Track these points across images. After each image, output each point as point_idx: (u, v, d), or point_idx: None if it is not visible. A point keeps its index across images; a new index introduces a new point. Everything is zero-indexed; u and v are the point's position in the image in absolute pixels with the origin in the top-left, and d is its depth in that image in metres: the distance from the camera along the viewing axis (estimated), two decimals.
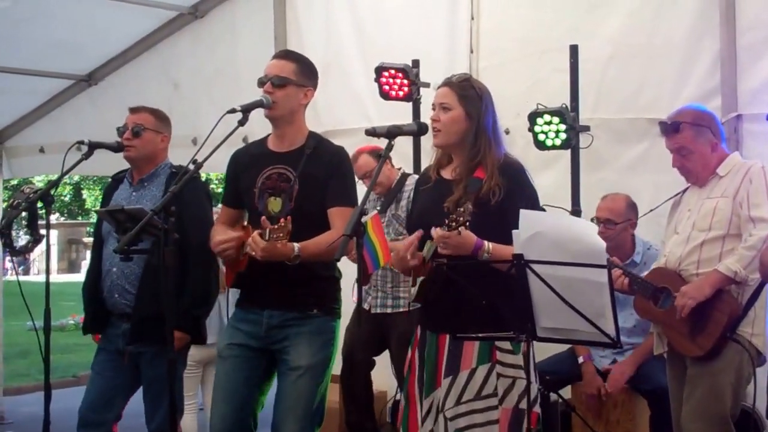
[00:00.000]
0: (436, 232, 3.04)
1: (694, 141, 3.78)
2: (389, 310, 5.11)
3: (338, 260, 3.04)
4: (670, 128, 3.82)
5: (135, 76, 6.88)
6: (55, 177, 4.25)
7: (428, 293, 3.12)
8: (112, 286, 3.98)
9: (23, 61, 6.61)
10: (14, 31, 6.21)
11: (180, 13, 6.59)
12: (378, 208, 5.15)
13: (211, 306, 4.16)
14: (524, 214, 2.88)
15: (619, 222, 4.55)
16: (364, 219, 3.06)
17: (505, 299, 2.88)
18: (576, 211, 4.91)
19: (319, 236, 3.38)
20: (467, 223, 2.97)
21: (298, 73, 3.54)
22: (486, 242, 3.07)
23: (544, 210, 3.28)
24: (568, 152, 4.96)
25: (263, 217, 3.29)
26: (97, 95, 7.02)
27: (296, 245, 3.28)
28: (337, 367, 3.91)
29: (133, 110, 4.17)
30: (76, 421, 4.04)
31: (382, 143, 3.40)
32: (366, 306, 5.14)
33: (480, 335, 3.02)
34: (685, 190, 3.95)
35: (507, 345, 3.12)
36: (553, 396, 4.65)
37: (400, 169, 5.33)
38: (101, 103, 6.88)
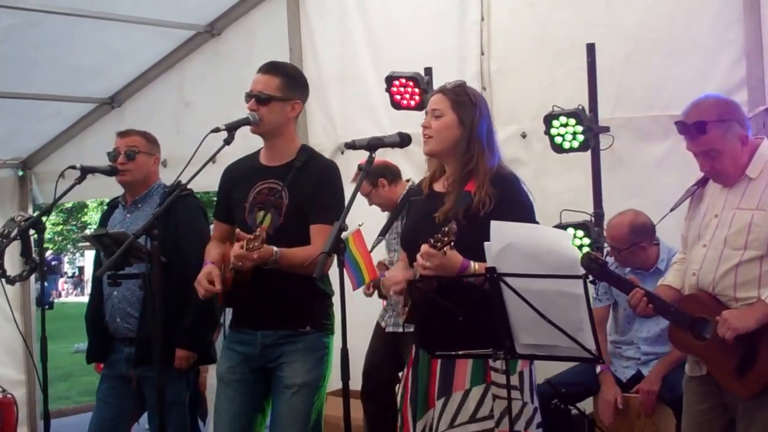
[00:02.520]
0: (422, 247, 2.94)
1: (723, 139, 3.25)
2: (401, 329, 5.00)
3: (319, 279, 2.94)
4: (694, 129, 3.26)
5: (155, 97, 6.93)
6: (84, 200, 4.29)
7: (418, 312, 3.02)
8: (114, 310, 3.97)
9: (47, 86, 6.70)
10: (37, 57, 6.29)
11: (197, 32, 6.60)
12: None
13: (216, 323, 4.14)
14: (495, 225, 2.77)
15: (623, 249, 4.35)
16: (344, 235, 2.95)
17: (481, 315, 2.77)
18: (598, 215, 4.76)
19: (300, 248, 3.32)
20: (452, 244, 2.86)
21: (282, 88, 3.48)
22: (472, 263, 2.96)
23: (537, 223, 3.15)
24: (589, 154, 4.80)
25: (237, 229, 3.25)
26: (120, 117, 7.05)
27: (275, 249, 3.23)
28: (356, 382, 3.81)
29: (122, 134, 4.19)
30: None
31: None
32: (383, 324, 5.06)
33: (459, 353, 2.90)
34: (704, 181, 3.49)
35: (502, 365, 2.97)
36: (573, 411, 4.47)
37: (408, 180, 5.22)
38: (124, 125, 6.84)
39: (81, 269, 33.99)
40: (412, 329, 4.85)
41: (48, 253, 10.83)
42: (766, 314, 3.15)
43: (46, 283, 4.89)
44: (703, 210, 3.45)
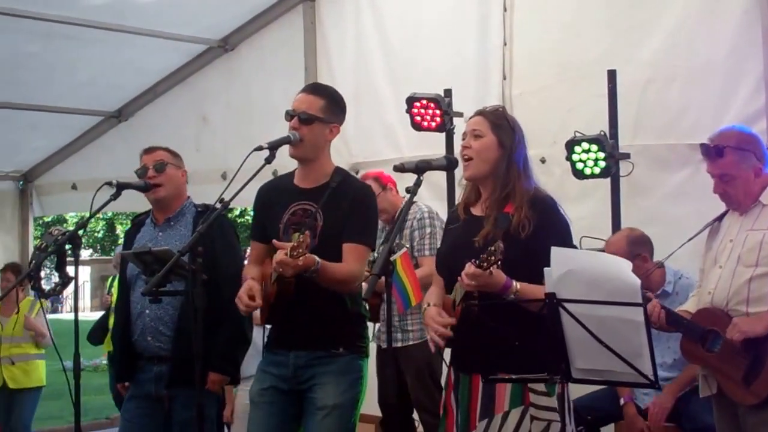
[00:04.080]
0: (467, 267, 2.92)
1: (738, 166, 3.53)
2: (399, 344, 4.98)
3: (366, 299, 2.91)
4: (713, 152, 3.56)
5: (164, 111, 6.92)
6: (86, 213, 4.25)
7: (460, 335, 3.00)
8: (145, 329, 3.91)
9: (53, 98, 6.69)
10: (44, 68, 6.26)
11: (210, 47, 6.60)
12: (381, 239, 5.05)
13: (248, 344, 4.09)
14: (556, 251, 2.75)
15: None
16: (393, 257, 2.92)
17: (537, 340, 2.75)
18: None
19: (338, 263, 3.32)
20: (499, 263, 2.85)
21: (325, 110, 3.45)
22: (514, 282, 2.95)
23: (575, 246, 3.17)
24: (608, 180, 4.81)
25: (273, 240, 3.23)
26: (127, 131, 7.05)
27: (317, 258, 3.20)
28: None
29: (148, 150, 4.14)
30: None
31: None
32: (378, 342, 5.02)
33: (513, 377, 2.89)
34: (722, 216, 3.72)
35: (541, 387, 2.99)
36: None
37: (404, 197, 5.21)
38: (131, 138, 6.87)
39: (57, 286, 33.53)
40: (409, 343, 4.92)
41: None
42: None
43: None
44: (719, 239, 3.65)
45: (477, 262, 2.87)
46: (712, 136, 3.64)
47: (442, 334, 3.03)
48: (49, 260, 4.04)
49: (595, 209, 5.04)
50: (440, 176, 5.25)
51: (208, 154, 5.28)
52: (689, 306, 3.76)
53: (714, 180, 3.63)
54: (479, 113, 3.25)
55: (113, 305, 6.64)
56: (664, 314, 3.63)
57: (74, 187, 7.14)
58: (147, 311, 3.87)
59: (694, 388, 4.27)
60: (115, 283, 7.04)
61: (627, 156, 4.85)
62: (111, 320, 6.87)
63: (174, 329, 3.84)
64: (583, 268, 2.71)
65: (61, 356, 3.87)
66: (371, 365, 5.05)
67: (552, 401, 2.97)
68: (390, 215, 5.10)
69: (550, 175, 5.27)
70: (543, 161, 5.30)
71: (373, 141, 6.00)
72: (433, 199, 5.45)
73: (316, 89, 3.56)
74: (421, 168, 3.13)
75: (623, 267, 2.73)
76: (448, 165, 3.22)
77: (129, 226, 4.34)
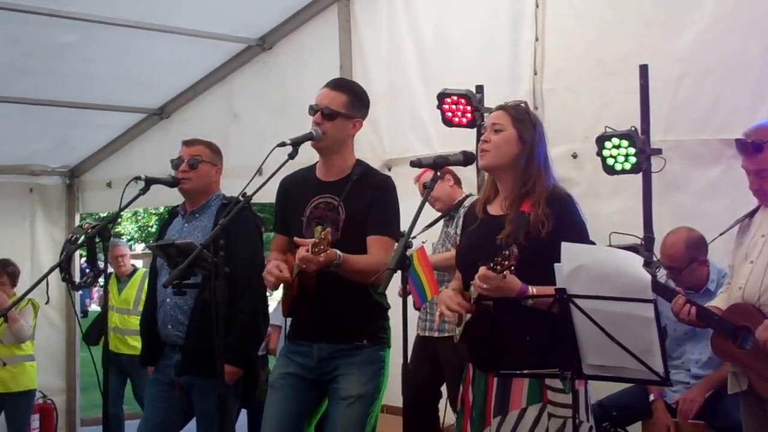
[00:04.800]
0: (480, 269, 2.92)
1: None
2: (436, 334, 5.04)
3: (382, 293, 2.96)
4: (751, 148, 3.49)
5: (204, 109, 7.02)
6: (138, 209, 4.37)
7: (475, 332, 3.02)
8: (166, 317, 4.02)
9: (97, 96, 6.83)
10: (88, 67, 6.41)
11: (248, 46, 6.68)
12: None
13: (261, 339, 4.18)
14: (566, 247, 2.76)
15: (683, 267, 4.32)
16: (409, 252, 2.96)
17: (549, 336, 2.76)
18: (648, 239, 4.73)
19: (361, 255, 3.36)
20: (512, 268, 2.84)
21: (348, 105, 3.52)
22: (530, 288, 2.94)
23: (593, 243, 3.13)
24: (640, 176, 4.79)
25: (295, 237, 3.27)
26: (169, 128, 7.16)
27: (339, 252, 3.25)
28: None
29: (188, 143, 4.23)
30: None
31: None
32: (418, 330, 5.07)
33: (525, 372, 2.90)
34: (753, 213, 3.68)
35: (558, 384, 2.99)
36: None
37: (470, 195, 5.23)
38: (173, 136, 6.98)
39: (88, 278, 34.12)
40: (445, 335, 4.94)
41: (82, 261, 10.81)
42: None
43: (80, 292, 4.96)
44: (750, 235, 3.61)
45: (491, 264, 2.87)
46: (747, 131, 3.58)
47: (455, 309, 3.04)
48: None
49: (627, 205, 5.02)
50: (470, 172, 5.26)
51: (244, 149, 5.36)
52: (718, 302, 3.73)
53: (750, 176, 3.57)
54: (501, 107, 3.26)
55: (111, 303, 6.74)
56: (694, 310, 3.58)
57: (109, 185, 7.33)
58: (168, 300, 3.98)
59: (726, 386, 4.27)
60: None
61: (659, 152, 4.82)
62: (113, 318, 7.01)
63: (189, 320, 3.93)
64: (594, 263, 2.72)
65: (90, 348, 3.96)
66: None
67: (569, 398, 2.95)
68: (444, 204, 5.16)
69: (581, 170, 5.27)
70: (575, 156, 5.29)
71: (405, 137, 6.03)
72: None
73: (338, 84, 3.62)
74: (438, 163, 3.17)
75: (634, 263, 2.73)
76: (465, 160, 3.22)
77: (166, 216, 4.45)
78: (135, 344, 6.84)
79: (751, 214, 3.67)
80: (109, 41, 6.11)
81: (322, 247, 3.11)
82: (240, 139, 6.49)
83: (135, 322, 6.72)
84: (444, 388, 5.21)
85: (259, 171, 3.42)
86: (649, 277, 2.70)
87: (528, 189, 3.12)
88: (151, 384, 4.16)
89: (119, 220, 28.69)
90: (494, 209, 3.23)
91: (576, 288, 2.69)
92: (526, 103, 3.32)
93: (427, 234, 5.14)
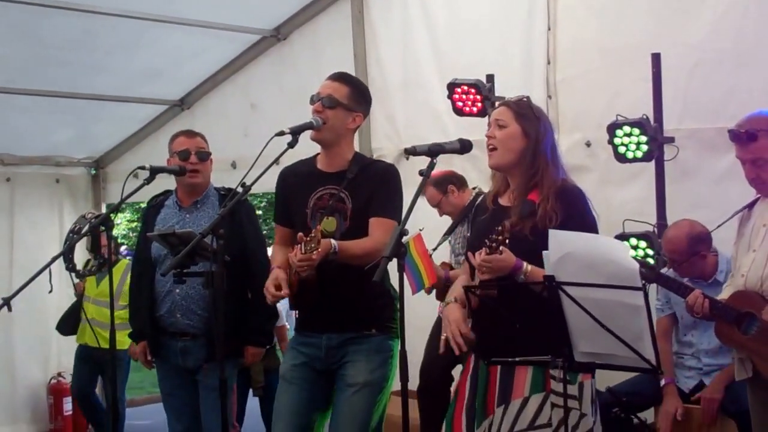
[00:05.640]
0: (478, 255, 2.96)
1: None
2: None
3: (379, 282, 2.99)
4: (745, 137, 3.51)
5: (224, 100, 7.08)
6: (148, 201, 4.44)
7: (477, 322, 3.04)
8: (174, 306, 4.06)
9: (120, 88, 6.91)
10: (110, 60, 6.49)
11: (263, 37, 6.73)
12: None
13: (277, 317, 4.38)
14: (553, 234, 2.79)
15: (683, 260, 4.31)
16: (405, 239, 2.98)
17: (540, 323, 2.78)
18: (661, 226, 4.72)
19: (358, 240, 3.38)
20: (507, 241, 2.89)
21: (349, 97, 3.53)
22: (525, 263, 2.98)
23: None
24: (653, 164, 4.79)
25: (300, 234, 3.28)
26: (190, 119, 7.21)
27: (333, 241, 3.28)
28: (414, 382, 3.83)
29: (190, 135, 4.29)
30: None
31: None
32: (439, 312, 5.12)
33: (517, 359, 2.92)
34: (752, 204, 3.69)
35: (561, 374, 2.96)
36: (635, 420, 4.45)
37: (475, 188, 5.25)
38: (193, 126, 6.98)
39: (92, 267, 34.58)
40: None
41: (123, 248, 10.97)
42: None
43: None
44: (751, 225, 3.63)
45: (486, 242, 2.91)
46: (740, 122, 3.60)
47: (459, 342, 3.06)
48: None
49: (641, 193, 5.03)
50: (485, 158, 5.27)
51: (260, 140, 5.34)
52: (724, 295, 3.73)
53: (745, 166, 3.59)
54: (503, 104, 3.31)
55: (87, 294, 6.48)
56: (708, 303, 3.60)
57: (135, 175, 7.34)
58: (177, 290, 4.02)
59: None
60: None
61: (671, 140, 4.81)
62: (89, 309, 6.62)
63: (205, 308, 3.99)
64: (582, 251, 2.73)
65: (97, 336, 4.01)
66: (423, 341, 5.18)
67: (573, 389, 2.98)
68: (456, 213, 5.22)
69: (595, 158, 5.28)
70: (588, 145, 5.30)
71: (420, 127, 6.04)
72: (480, 184, 5.49)
73: (342, 77, 3.65)
74: (433, 151, 3.16)
75: (620, 250, 2.75)
76: (462, 148, 3.23)
77: (146, 207, 4.45)
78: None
79: (751, 206, 3.69)
80: (128, 33, 6.19)
81: (313, 245, 3.14)
82: (259, 130, 6.53)
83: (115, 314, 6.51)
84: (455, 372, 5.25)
85: (256, 161, 3.42)
86: (636, 265, 2.70)
87: (536, 181, 3.14)
88: (161, 378, 4.26)
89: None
90: (504, 201, 3.26)
91: (564, 275, 2.71)
92: (528, 97, 3.34)
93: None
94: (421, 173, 3.13)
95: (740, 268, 3.63)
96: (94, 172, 7.95)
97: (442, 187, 5.18)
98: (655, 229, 4.72)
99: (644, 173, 4.97)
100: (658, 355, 2.68)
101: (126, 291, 6.26)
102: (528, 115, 3.20)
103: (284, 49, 6.71)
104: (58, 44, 6.13)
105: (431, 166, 3.17)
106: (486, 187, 5.29)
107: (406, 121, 6.00)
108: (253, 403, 6.10)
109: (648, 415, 4.61)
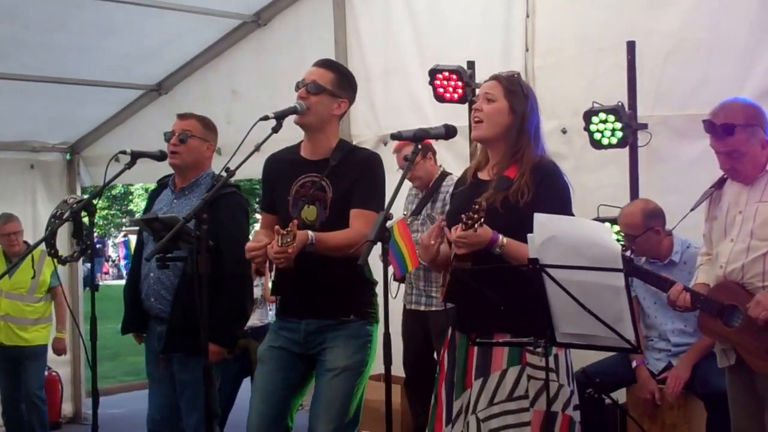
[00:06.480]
0: (454, 231, 3.01)
1: (747, 143, 3.51)
2: (422, 308, 5.15)
3: (362, 266, 3.04)
4: (721, 131, 3.52)
5: (201, 85, 7.07)
6: (128, 184, 4.42)
7: (454, 294, 3.09)
8: (149, 290, 4.08)
9: (96, 73, 6.87)
10: (87, 44, 6.45)
11: (243, 22, 6.73)
12: (412, 207, 5.16)
13: (247, 318, 4.24)
14: (538, 217, 2.83)
15: (637, 235, 4.43)
16: (389, 224, 3.04)
17: (523, 304, 2.83)
18: None
19: (336, 232, 3.40)
20: (482, 220, 2.93)
21: (335, 83, 3.56)
22: (501, 236, 3.03)
23: (573, 215, 3.20)
24: (627, 150, 4.88)
25: (276, 227, 3.29)
26: (167, 104, 7.21)
27: (310, 233, 3.31)
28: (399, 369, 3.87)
29: (182, 116, 4.24)
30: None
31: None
32: (405, 303, 5.18)
33: (500, 341, 2.98)
34: (721, 183, 3.71)
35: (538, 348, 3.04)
36: (607, 400, 4.55)
37: (440, 166, 5.33)
38: (171, 111, 6.89)
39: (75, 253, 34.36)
40: (432, 309, 5.05)
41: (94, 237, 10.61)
42: None
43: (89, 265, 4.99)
44: (725, 208, 3.64)
45: (463, 218, 2.95)
46: (714, 110, 3.60)
47: (427, 242, 3.12)
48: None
49: (614, 178, 5.11)
50: (464, 146, 5.36)
51: (241, 126, 5.37)
52: (702, 278, 3.78)
53: (720, 157, 3.60)
54: (494, 78, 3.31)
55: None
56: (689, 297, 3.65)
57: (117, 159, 7.30)
58: (152, 274, 4.05)
59: (706, 354, 4.36)
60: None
61: (645, 126, 4.90)
62: (2, 304, 6.34)
63: (173, 295, 3.98)
64: (566, 234, 2.79)
65: (78, 323, 4.02)
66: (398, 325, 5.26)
67: (549, 361, 3.02)
68: (423, 182, 5.25)
69: (571, 145, 5.37)
70: (564, 132, 5.38)
71: (401, 113, 6.09)
72: (458, 170, 5.55)
73: (327, 63, 3.67)
74: (418, 136, 3.21)
75: (604, 233, 2.81)
76: (447, 133, 3.28)
77: (152, 189, 4.47)
78: (27, 336, 6.32)
79: (719, 185, 3.71)
80: (105, 17, 6.15)
81: (288, 240, 3.16)
82: (242, 116, 6.54)
83: (29, 310, 6.33)
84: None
85: (239, 147, 3.45)
86: (618, 247, 2.76)
87: (517, 159, 3.19)
88: (147, 358, 4.27)
89: (130, 197, 28.99)
90: (483, 175, 3.31)
91: (548, 258, 2.76)
92: (518, 74, 3.37)
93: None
94: (406, 158, 3.17)
95: (719, 257, 3.64)
96: (69, 157, 7.92)
97: (424, 151, 5.24)
98: None
99: (618, 159, 5.05)
100: (638, 335, 2.75)
101: (42, 282, 6.29)
102: (517, 92, 3.24)
103: (264, 34, 6.72)
104: (34, 28, 6.08)
105: (416, 150, 3.21)
106: (460, 171, 5.40)
107: (386, 107, 6.05)
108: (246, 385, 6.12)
109: (620, 396, 4.72)
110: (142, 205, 29.09)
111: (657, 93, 5.08)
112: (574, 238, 2.78)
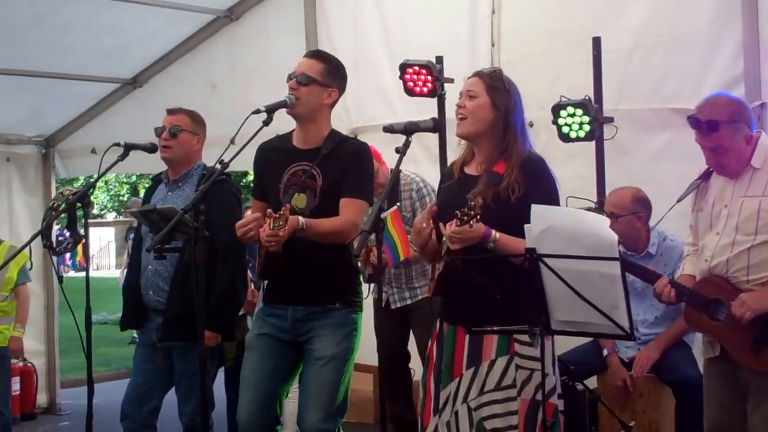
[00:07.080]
0: (449, 226, 3.05)
1: (732, 138, 3.48)
2: (409, 302, 5.24)
3: (357, 255, 3.11)
4: (706, 127, 3.48)
5: (176, 79, 7.11)
6: (110, 175, 4.48)
7: (446, 287, 3.14)
8: (148, 283, 4.16)
9: (71, 67, 6.89)
10: (62, 38, 6.47)
11: (216, 17, 6.79)
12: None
13: (240, 305, 4.32)
14: (535, 209, 2.88)
15: (622, 215, 4.53)
16: (383, 214, 3.11)
17: (519, 293, 2.89)
18: (601, 203, 4.94)
19: (326, 219, 3.48)
20: (478, 217, 2.97)
21: (324, 73, 3.63)
22: (493, 231, 3.08)
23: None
24: (593, 144, 5.00)
25: (269, 210, 3.35)
26: (142, 97, 7.25)
27: (301, 219, 3.38)
28: (373, 357, 3.96)
29: (171, 111, 4.31)
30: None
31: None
32: (391, 302, 5.26)
33: (495, 329, 3.03)
34: (707, 175, 3.69)
35: (525, 337, 3.08)
36: (579, 387, 4.66)
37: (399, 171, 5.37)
38: (146, 104, 7.11)
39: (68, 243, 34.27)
40: (419, 298, 5.14)
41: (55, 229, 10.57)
42: None
43: (56, 258, 4.99)
44: (711, 201, 3.64)
45: (458, 215, 2.99)
46: (700, 105, 3.58)
47: (419, 227, 3.18)
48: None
49: (581, 171, 5.22)
50: (432, 139, 5.46)
51: (217, 119, 5.49)
52: (688, 269, 3.77)
53: (705, 152, 3.59)
54: (476, 74, 3.36)
55: None
56: (674, 291, 3.63)
57: (93, 151, 7.36)
58: (150, 267, 4.13)
59: (675, 342, 4.50)
60: None
61: (611, 120, 5.03)
62: None
63: (170, 286, 4.07)
64: (562, 224, 2.85)
65: (73, 312, 4.09)
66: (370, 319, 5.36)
67: (535, 351, 3.05)
68: (383, 186, 5.30)
69: (537, 138, 5.40)
70: (531, 125, 5.44)
71: (370, 107, 6.21)
72: (426, 162, 5.68)
73: (316, 54, 3.77)
74: (409, 129, 3.29)
75: (601, 223, 2.87)
76: (435, 127, 3.38)
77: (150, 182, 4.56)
78: None
79: (706, 176, 3.70)
80: (80, 12, 6.19)
81: (281, 223, 3.24)
82: (219, 109, 6.61)
83: None
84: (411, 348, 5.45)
85: (233, 141, 3.48)
86: (615, 236, 2.82)
87: (506, 155, 3.23)
88: (137, 346, 4.33)
89: (91, 190, 28.71)
90: (471, 170, 3.34)
91: (545, 248, 2.81)
92: (500, 70, 3.43)
93: None
94: (397, 150, 3.24)
95: (704, 251, 3.63)
96: (43, 150, 7.92)
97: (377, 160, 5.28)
98: (596, 206, 4.94)
99: (584, 153, 5.17)
100: (632, 322, 2.80)
101: (8, 279, 5.82)
102: (499, 88, 3.28)
103: (237, 29, 6.79)
104: (9, 22, 6.10)
105: (407, 143, 3.27)
106: (427, 166, 5.51)
107: (356, 101, 6.14)
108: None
109: (591, 383, 4.82)
110: (102, 197, 28.88)
111: (622, 87, 5.25)
112: (571, 229, 2.84)
